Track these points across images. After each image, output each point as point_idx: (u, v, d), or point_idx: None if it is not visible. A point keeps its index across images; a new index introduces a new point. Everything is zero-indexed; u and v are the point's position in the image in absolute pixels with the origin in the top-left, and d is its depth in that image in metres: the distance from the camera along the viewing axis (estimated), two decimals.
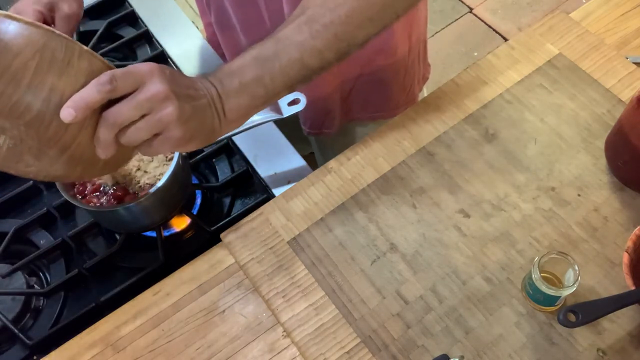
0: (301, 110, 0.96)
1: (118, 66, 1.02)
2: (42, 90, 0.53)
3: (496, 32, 2.26)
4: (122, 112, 0.56)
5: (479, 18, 2.31)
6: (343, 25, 0.64)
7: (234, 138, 0.91)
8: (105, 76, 0.55)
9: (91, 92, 0.54)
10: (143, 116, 0.57)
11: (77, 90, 0.54)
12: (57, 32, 0.54)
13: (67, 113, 0.53)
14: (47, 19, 0.69)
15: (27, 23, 0.53)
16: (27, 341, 0.77)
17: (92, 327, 0.77)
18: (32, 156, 0.56)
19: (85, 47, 0.55)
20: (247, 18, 0.90)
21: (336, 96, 0.98)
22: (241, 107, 0.64)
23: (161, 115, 0.57)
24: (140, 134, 0.58)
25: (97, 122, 0.56)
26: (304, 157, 0.90)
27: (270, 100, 0.65)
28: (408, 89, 1.03)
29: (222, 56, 1.04)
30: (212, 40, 1.06)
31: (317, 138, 1.10)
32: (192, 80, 0.62)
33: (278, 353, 0.73)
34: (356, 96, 1.01)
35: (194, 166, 0.92)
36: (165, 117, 0.57)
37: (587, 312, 0.62)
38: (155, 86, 0.56)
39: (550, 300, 0.68)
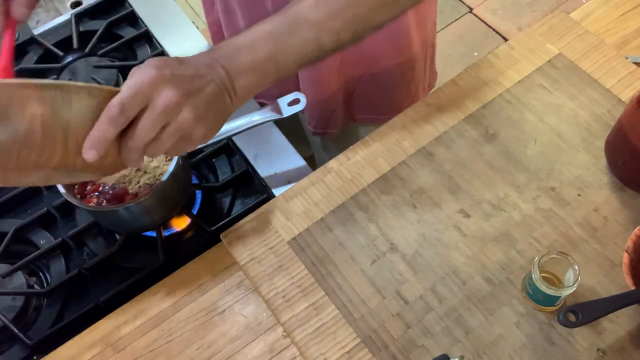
0: (306, 110, 0.95)
1: (119, 67, 1.02)
2: (56, 142, 0.53)
3: (496, 32, 2.26)
4: (141, 135, 0.56)
5: (479, 18, 2.31)
6: (362, 6, 0.63)
7: (234, 138, 0.91)
8: (114, 108, 0.54)
9: (106, 128, 0.54)
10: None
11: (90, 127, 0.54)
12: (45, 81, 0.52)
13: (90, 155, 0.54)
14: None
15: (12, 86, 0.51)
16: (27, 341, 0.77)
17: (92, 327, 0.77)
18: (63, 176, 0.59)
19: (79, 83, 0.53)
20: (253, 20, 0.89)
21: (339, 95, 0.98)
22: (252, 84, 0.63)
23: (179, 123, 0.57)
24: (165, 146, 0.58)
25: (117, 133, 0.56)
26: (304, 159, 0.90)
27: (280, 77, 0.64)
28: (412, 93, 1.03)
29: None
30: (216, 40, 1.05)
31: (322, 139, 1.10)
32: (196, 67, 0.60)
33: (278, 353, 0.73)
34: (359, 96, 1.00)
35: (194, 166, 0.92)
36: (183, 124, 0.57)
37: (587, 312, 0.62)
38: (164, 97, 0.55)
39: (550, 300, 0.68)
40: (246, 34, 0.62)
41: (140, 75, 0.56)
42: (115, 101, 0.54)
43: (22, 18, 0.66)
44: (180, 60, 0.60)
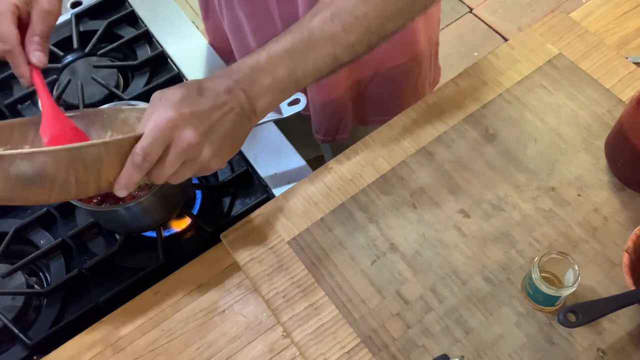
0: (313, 117, 0.94)
1: (119, 67, 1.02)
2: (89, 189, 0.59)
3: (496, 32, 2.27)
4: (164, 172, 0.60)
5: (479, 18, 2.31)
6: (376, 18, 0.64)
7: None
8: (138, 157, 0.58)
9: (133, 174, 0.59)
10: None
11: (119, 170, 0.59)
12: (74, 145, 0.56)
13: (122, 194, 0.60)
14: (23, 14, 0.65)
15: (46, 153, 0.55)
16: (27, 341, 0.77)
17: (92, 327, 0.77)
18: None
19: (106, 139, 0.57)
20: (262, 36, 0.89)
21: (348, 98, 0.98)
22: (271, 103, 0.64)
23: (198, 160, 0.61)
24: (185, 177, 0.62)
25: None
26: (310, 161, 0.90)
27: (297, 91, 0.66)
28: (419, 91, 1.03)
29: (224, 57, 1.03)
30: (214, 44, 1.05)
31: (331, 145, 1.09)
32: (215, 95, 0.61)
33: (278, 353, 0.73)
34: (368, 98, 1.00)
35: None
36: (203, 160, 0.61)
37: (587, 312, 0.62)
38: (184, 139, 0.58)
39: (550, 300, 0.68)
40: (263, 53, 0.63)
41: (159, 118, 0.58)
42: (138, 149, 0.58)
43: (41, 61, 0.67)
44: (199, 89, 0.61)
